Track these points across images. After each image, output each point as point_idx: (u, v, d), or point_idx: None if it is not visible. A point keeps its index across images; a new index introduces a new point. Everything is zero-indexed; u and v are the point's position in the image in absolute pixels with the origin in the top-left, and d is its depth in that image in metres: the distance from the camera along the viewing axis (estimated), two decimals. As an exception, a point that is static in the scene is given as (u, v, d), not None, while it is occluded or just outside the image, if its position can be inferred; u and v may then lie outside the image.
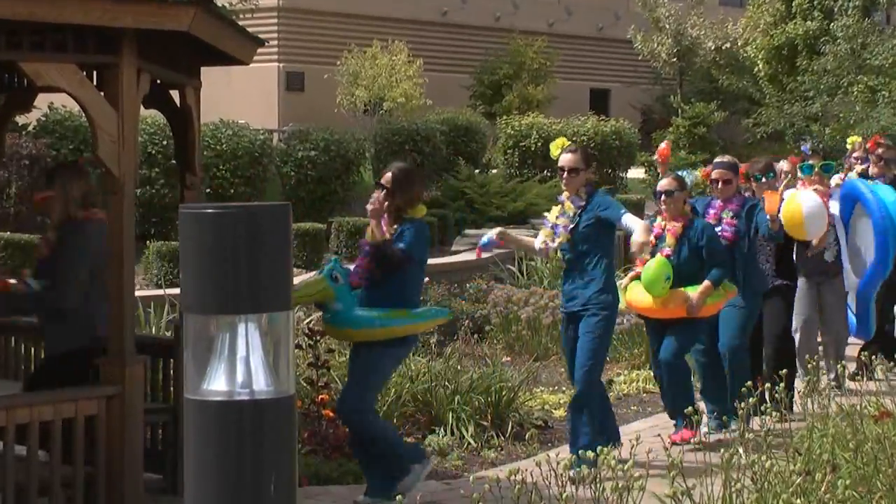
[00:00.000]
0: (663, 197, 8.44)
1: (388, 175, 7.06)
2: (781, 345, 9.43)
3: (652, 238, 7.99)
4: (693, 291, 8.24)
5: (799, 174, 9.65)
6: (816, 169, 9.76)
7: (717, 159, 9.23)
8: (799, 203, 9.01)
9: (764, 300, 9.23)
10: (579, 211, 7.83)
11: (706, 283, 8.21)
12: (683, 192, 8.53)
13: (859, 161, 11.45)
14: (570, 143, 8.13)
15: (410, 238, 6.92)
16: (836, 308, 10.36)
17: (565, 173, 7.89)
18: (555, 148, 8.05)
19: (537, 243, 8.17)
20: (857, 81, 28.23)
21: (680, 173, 9.22)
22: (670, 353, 8.32)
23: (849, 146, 11.98)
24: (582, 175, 7.89)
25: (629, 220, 7.64)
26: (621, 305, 8.13)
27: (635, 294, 8.38)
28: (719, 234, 8.66)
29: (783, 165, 10.00)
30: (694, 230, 8.32)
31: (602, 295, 7.72)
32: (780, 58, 31.39)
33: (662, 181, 8.61)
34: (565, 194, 7.97)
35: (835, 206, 9.97)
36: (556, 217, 7.95)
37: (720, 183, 8.88)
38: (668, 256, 8.27)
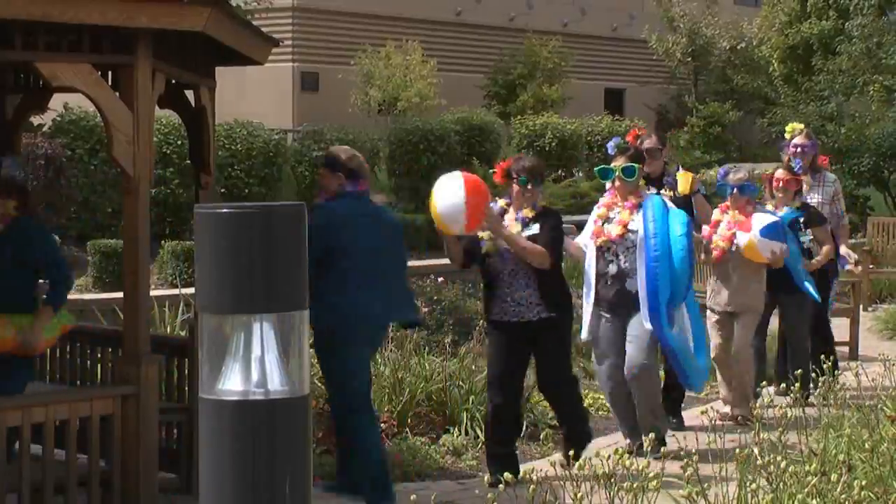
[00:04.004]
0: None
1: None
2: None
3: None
4: (27, 321, 6.51)
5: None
6: (618, 174, 7.80)
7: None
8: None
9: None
10: None
11: (46, 307, 6.53)
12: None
13: (799, 149, 9.67)
14: None
15: None
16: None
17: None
18: None
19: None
20: (872, 81, 28.16)
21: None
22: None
23: (787, 134, 9.97)
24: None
25: None
26: None
27: None
28: None
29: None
30: None
31: None
32: (795, 57, 31.33)
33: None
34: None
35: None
36: None
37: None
38: None
